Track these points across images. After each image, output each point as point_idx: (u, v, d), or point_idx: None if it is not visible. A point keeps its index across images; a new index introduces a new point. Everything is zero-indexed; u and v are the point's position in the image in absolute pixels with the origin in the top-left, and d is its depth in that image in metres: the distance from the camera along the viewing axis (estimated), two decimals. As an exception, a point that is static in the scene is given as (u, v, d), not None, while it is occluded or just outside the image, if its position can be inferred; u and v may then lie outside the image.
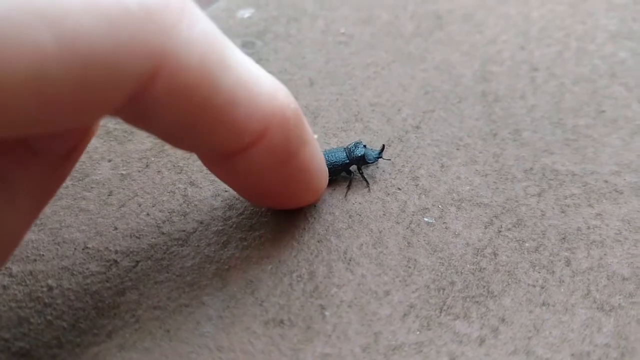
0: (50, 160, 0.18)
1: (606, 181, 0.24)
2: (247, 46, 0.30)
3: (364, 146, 0.24)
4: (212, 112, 0.16)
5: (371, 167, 0.25)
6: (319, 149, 0.20)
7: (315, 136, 0.25)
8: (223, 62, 0.16)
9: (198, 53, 0.15)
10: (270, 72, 0.30)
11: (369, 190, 0.24)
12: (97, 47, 0.13)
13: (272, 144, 0.18)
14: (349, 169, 0.24)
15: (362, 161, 0.24)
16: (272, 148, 0.18)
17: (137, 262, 0.21)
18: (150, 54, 0.14)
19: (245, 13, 0.33)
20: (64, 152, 0.18)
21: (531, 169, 0.24)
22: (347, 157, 0.24)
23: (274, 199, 0.21)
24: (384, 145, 0.24)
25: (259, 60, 0.29)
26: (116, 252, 0.21)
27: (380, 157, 0.24)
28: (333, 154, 0.24)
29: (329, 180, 0.24)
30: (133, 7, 0.14)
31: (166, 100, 0.15)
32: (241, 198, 0.23)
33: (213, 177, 0.24)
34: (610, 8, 0.33)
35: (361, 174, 0.24)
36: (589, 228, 0.22)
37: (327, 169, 0.21)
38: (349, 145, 0.24)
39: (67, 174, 0.19)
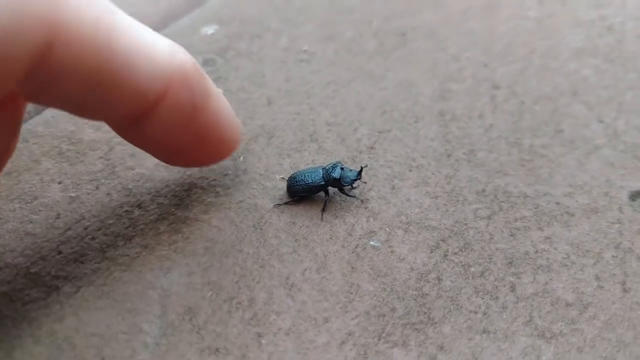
0: None
1: (558, 203, 0.24)
2: (207, 64, 0.30)
3: (342, 168, 0.23)
4: (110, 76, 0.16)
5: (332, 190, 0.24)
6: (225, 101, 0.21)
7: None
8: (114, 28, 0.16)
9: (88, 22, 0.15)
10: (228, 90, 0.29)
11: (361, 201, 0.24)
12: None
13: (177, 100, 0.18)
14: (327, 190, 0.24)
15: (338, 183, 0.23)
16: (177, 104, 0.18)
17: (79, 287, 0.21)
18: (43, 26, 0.15)
19: (209, 30, 0.33)
20: None
21: (483, 190, 0.24)
22: (324, 178, 0.23)
23: (191, 156, 0.21)
24: (362, 168, 0.24)
25: (218, 79, 0.29)
26: (58, 277, 0.21)
27: (358, 180, 0.24)
28: (310, 175, 0.23)
29: (305, 197, 0.24)
30: None
31: (63, 70, 0.15)
32: (187, 222, 0.23)
33: (161, 199, 0.24)
34: (577, 24, 0.33)
35: (345, 193, 0.24)
36: (536, 252, 0.22)
37: (238, 121, 0.21)
38: (327, 165, 0.24)
39: None
